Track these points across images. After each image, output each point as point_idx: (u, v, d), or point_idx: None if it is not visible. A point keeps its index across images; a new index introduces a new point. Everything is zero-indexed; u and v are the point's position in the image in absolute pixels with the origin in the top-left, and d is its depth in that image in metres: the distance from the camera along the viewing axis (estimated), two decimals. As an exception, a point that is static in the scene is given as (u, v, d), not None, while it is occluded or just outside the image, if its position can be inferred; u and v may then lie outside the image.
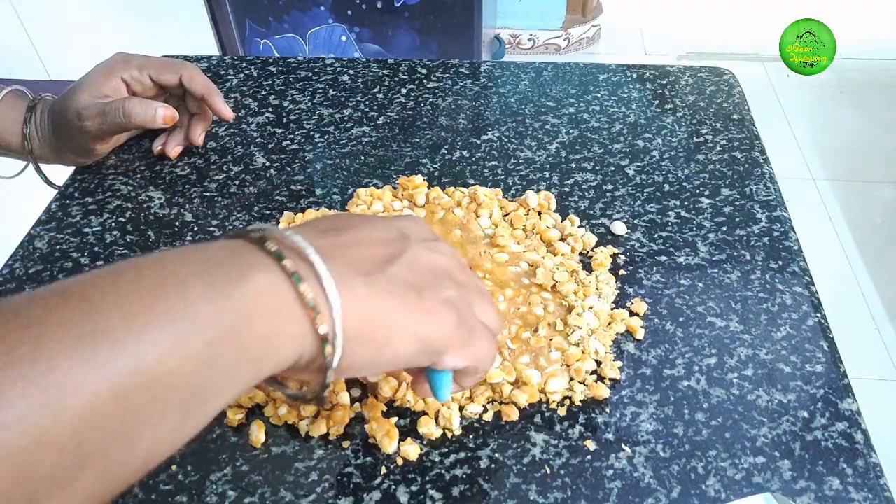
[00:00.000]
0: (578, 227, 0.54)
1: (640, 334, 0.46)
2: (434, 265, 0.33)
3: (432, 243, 0.34)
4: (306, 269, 0.27)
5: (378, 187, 0.57)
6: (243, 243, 0.28)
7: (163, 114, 0.59)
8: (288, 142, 0.65)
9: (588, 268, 0.51)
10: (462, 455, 0.40)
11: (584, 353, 0.44)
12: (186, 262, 0.26)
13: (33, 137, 0.60)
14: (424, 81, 0.72)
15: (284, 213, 0.56)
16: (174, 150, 0.62)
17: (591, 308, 0.47)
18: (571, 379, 0.43)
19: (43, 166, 0.62)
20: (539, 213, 0.55)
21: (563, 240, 0.53)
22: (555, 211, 0.55)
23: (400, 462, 0.40)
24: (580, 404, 0.43)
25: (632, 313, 0.48)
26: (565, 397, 0.43)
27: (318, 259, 0.28)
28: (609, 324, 0.47)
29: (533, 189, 0.58)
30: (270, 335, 0.27)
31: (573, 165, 0.61)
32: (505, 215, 0.55)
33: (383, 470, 0.40)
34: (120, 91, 0.59)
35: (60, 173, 0.63)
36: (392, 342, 0.30)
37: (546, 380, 0.43)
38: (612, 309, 0.48)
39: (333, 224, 0.32)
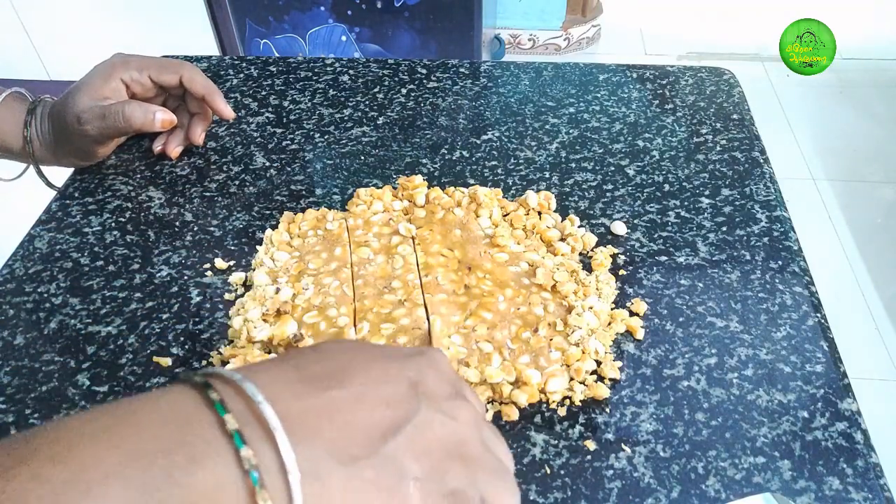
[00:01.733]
0: (578, 227, 0.54)
1: (640, 334, 0.46)
2: (444, 439, 0.26)
3: (449, 403, 0.27)
4: (271, 459, 0.22)
5: (378, 187, 0.57)
6: (195, 410, 0.22)
7: (161, 118, 0.59)
8: (288, 142, 0.65)
9: (588, 268, 0.51)
10: (462, 455, 0.40)
11: (584, 352, 0.44)
12: (111, 446, 0.20)
13: (34, 140, 0.60)
14: (424, 81, 0.72)
15: (284, 213, 0.56)
16: (175, 150, 0.62)
17: (591, 308, 0.47)
18: (571, 379, 0.43)
19: (44, 168, 0.62)
20: (539, 214, 0.55)
21: (563, 240, 0.53)
22: (555, 211, 0.55)
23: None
24: (580, 404, 0.43)
25: (632, 313, 0.48)
26: (565, 397, 0.43)
27: (288, 446, 0.22)
28: (609, 324, 0.47)
29: (533, 189, 0.58)
30: None
31: (573, 165, 0.61)
32: (505, 215, 0.55)
33: (383, 470, 0.40)
34: (119, 92, 0.59)
35: (61, 175, 0.63)
36: None
37: (546, 380, 0.43)
38: (612, 309, 0.48)
39: (328, 366, 0.26)
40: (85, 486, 0.19)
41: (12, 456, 0.19)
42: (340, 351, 0.27)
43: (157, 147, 0.63)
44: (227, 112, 0.61)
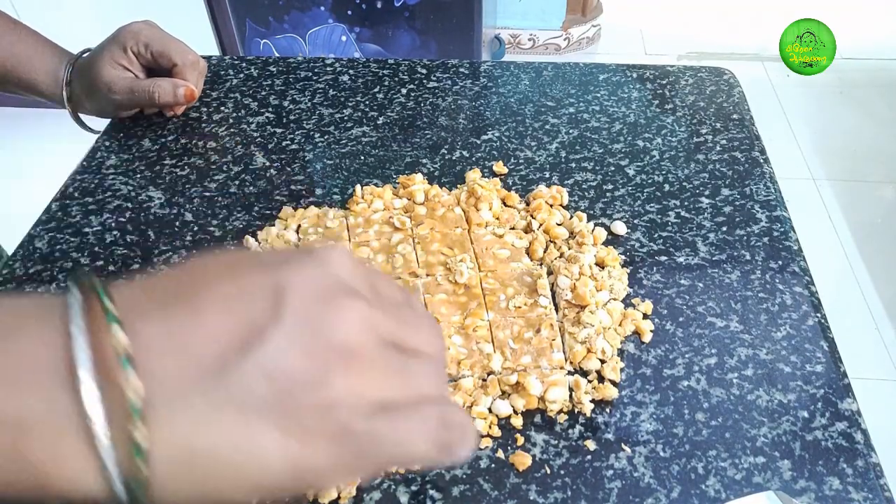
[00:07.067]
0: (587, 223, 0.54)
1: (647, 337, 0.46)
2: (314, 351, 0.22)
3: (326, 307, 0.23)
4: (115, 392, 0.20)
5: (378, 187, 0.57)
6: (50, 341, 0.21)
7: (183, 92, 0.65)
8: (288, 142, 0.65)
9: (599, 264, 0.51)
10: (462, 455, 0.40)
11: (589, 351, 0.44)
12: None
13: (74, 90, 0.64)
14: (424, 81, 0.72)
15: (283, 208, 0.56)
16: (179, 93, 0.65)
17: (604, 305, 0.47)
18: (571, 390, 0.43)
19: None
20: (550, 206, 0.55)
21: (571, 236, 0.52)
22: (565, 208, 0.55)
23: (400, 462, 0.40)
24: (586, 412, 0.42)
25: (645, 316, 0.47)
26: (570, 411, 0.42)
27: (137, 384, 0.20)
28: (620, 323, 0.46)
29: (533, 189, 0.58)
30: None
31: (573, 165, 0.61)
32: (507, 205, 0.55)
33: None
34: (132, 61, 0.64)
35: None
36: (211, 486, 0.22)
37: (547, 388, 0.42)
38: (624, 307, 0.48)
39: (177, 284, 0.23)
40: None
41: None
42: (201, 266, 0.24)
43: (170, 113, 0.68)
44: (189, 95, 0.65)
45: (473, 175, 0.57)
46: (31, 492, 0.20)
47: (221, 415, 0.21)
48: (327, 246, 0.25)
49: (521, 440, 0.41)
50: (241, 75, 0.74)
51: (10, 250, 0.55)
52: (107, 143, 0.65)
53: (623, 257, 0.52)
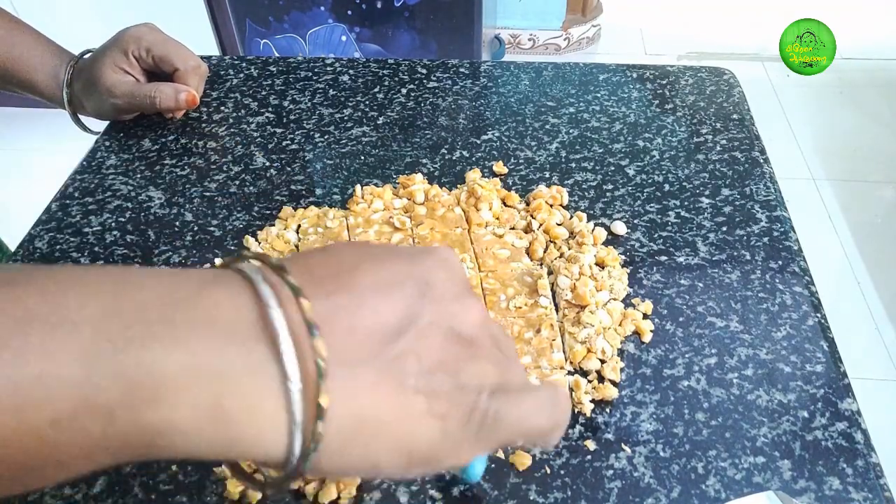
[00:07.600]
0: (587, 222, 0.54)
1: (647, 337, 0.46)
2: (451, 339, 0.26)
3: (457, 303, 0.27)
4: (304, 357, 0.22)
5: (378, 187, 0.57)
6: (242, 305, 0.23)
7: (185, 97, 0.65)
8: (288, 142, 0.65)
9: (599, 264, 0.51)
10: (462, 455, 0.40)
11: (589, 351, 0.44)
12: (101, 294, 0.21)
13: (74, 92, 0.64)
14: (424, 81, 0.72)
15: (283, 208, 0.56)
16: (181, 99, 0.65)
17: (605, 305, 0.47)
18: (571, 390, 0.43)
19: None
20: (550, 206, 0.55)
21: (571, 236, 0.52)
22: (565, 208, 0.55)
23: (400, 462, 0.40)
24: (587, 412, 0.42)
25: (645, 316, 0.47)
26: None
27: (322, 344, 0.22)
28: (620, 323, 0.46)
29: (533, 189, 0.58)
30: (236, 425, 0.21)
31: (573, 165, 0.61)
32: (507, 205, 0.55)
33: (383, 470, 0.40)
34: (134, 65, 0.64)
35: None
36: (372, 452, 0.24)
37: None
38: (624, 307, 0.48)
39: (333, 269, 0.25)
40: (54, 322, 0.20)
41: (5, 278, 0.21)
42: (348, 252, 0.27)
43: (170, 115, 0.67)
44: (191, 100, 0.65)
45: (473, 175, 0.57)
46: (219, 445, 0.22)
47: (384, 387, 0.23)
48: (441, 247, 0.29)
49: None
50: (241, 75, 0.74)
51: (10, 249, 0.55)
52: (107, 143, 0.65)
53: (623, 257, 0.52)
